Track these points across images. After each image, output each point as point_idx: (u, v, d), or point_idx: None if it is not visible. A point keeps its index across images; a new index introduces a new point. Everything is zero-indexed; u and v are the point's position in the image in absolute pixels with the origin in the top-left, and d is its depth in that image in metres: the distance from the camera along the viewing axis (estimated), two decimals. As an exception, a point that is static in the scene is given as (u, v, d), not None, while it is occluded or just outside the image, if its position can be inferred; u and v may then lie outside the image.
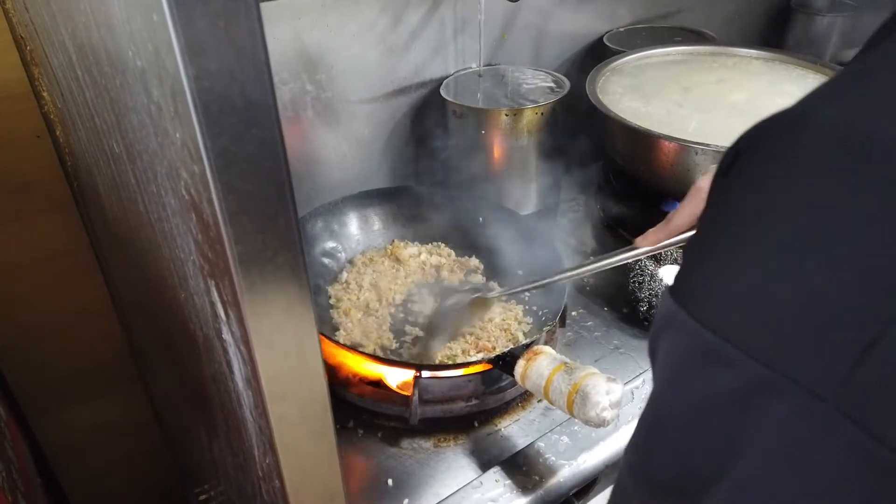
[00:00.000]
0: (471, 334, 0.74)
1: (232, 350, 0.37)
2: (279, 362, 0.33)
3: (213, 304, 0.37)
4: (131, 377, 1.06)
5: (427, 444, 0.66)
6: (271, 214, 0.29)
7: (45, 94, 0.69)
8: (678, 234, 0.64)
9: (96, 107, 0.48)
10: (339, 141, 0.97)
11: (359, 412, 0.68)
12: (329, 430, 0.37)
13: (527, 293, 0.80)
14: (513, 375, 0.62)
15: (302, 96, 0.90)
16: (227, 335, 0.37)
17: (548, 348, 0.63)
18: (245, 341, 0.33)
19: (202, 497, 0.68)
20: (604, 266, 0.65)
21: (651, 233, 0.65)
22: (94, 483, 1.13)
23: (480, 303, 0.77)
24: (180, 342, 0.55)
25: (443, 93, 0.97)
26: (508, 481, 0.60)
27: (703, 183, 0.63)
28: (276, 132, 0.28)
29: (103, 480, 1.14)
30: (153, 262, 0.52)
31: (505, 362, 0.63)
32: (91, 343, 1.01)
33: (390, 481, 0.61)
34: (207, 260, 0.34)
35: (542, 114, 0.93)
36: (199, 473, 0.75)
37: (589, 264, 0.66)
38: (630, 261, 0.64)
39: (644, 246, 0.64)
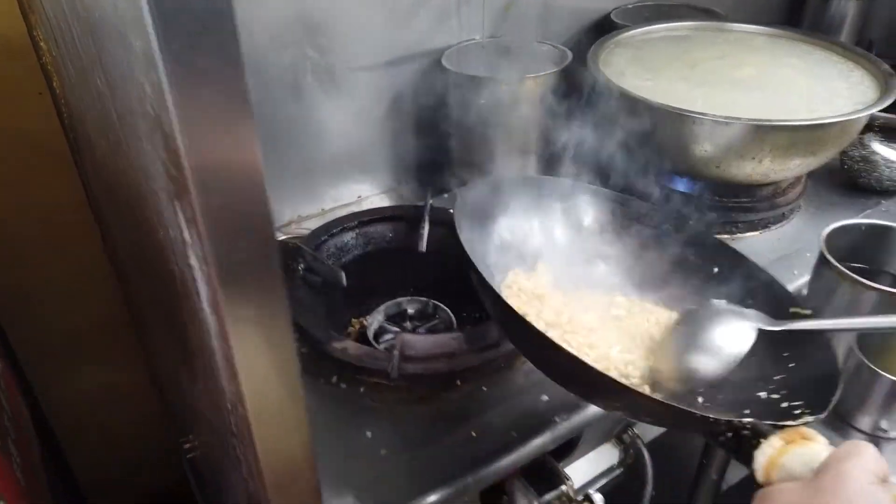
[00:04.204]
0: None
1: (198, 275, 0.37)
2: (240, 279, 0.34)
3: (180, 229, 0.37)
4: (130, 340, 1.08)
5: (409, 399, 0.66)
6: (230, 121, 0.29)
7: (42, 43, 0.69)
8: None
9: (82, 44, 0.49)
10: (339, 108, 0.97)
11: (343, 367, 0.68)
12: (290, 354, 0.37)
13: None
14: (745, 460, 0.44)
15: (302, 61, 0.90)
16: (193, 260, 0.37)
17: (818, 435, 0.44)
18: (205, 259, 0.34)
19: (187, 446, 0.69)
20: None
21: None
22: (94, 446, 1.15)
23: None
24: (163, 286, 0.56)
25: (444, 62, 0.97)
26: (484, 435, 0.61)
27: None
28: (235, 38, 0.28)
29: (104, 443, 1.16)
30: (137, 203, 0.53)
31: (740, 439, 0.45)
32: (90, 304, 1.02)
33: (369, 433, 0.62)
34: (173, 179, 0.34)
35: (542, 84, 0.93)
36: (185, 424, 0.76)
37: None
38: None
39: None
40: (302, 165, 0.97)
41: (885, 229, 0.73)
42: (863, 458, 0.37)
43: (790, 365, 0.56)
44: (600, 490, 0.74)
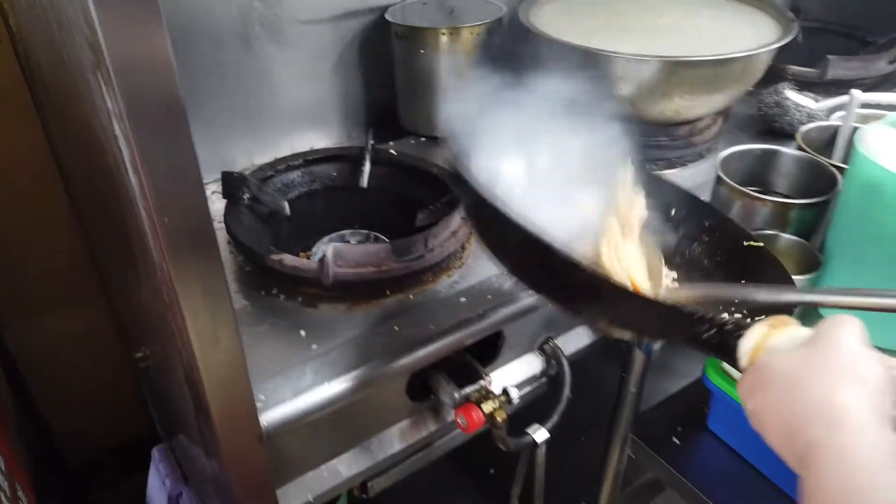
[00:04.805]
0: None
1: (122, 143, 0.43)
2: (151, 130, 0.39)
3: (104, 99, 0.43)
4: (94, 285, 1.13)
5: (342, 306, 0.72)
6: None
7: (-4, -18, 0.75)
8: None
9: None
10: (289, 59, 1.02)
11: (282, 280, 0.74)
12: (203, 208, 0.43)
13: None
14: (729, 353, 0.45)
15: (250, 12, 0.95)
16: (117, 129, 0.43)
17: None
18: (121, 115, 0.39)
19: (138, 356, 0.75)
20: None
21: None
22: (63, 392, 1.20)
23: None
24: (114, 204, 0.61)
25: (388, 17, 1.03)
26: (405, 329, 0.67)
27: None
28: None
29: (72, 390, 1.21)
30: (81, 110, 0.58)
31: (724, 335, 0.46)
32: (54, 249, 1.07)
33: (303, 332, 0.68)
34: (92, 48, 0.40)
35: (477, 34, 0.99)
36: (137, 338, 0.82)
37: None
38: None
39: None
40: (254, 114, 1.03)
41: (774, 153, 0.80)
42: (851, 326, 0.40)
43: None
44: (524, 398, 0.81)
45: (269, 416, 0.58)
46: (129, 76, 0.37)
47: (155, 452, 0.89)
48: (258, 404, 0.57)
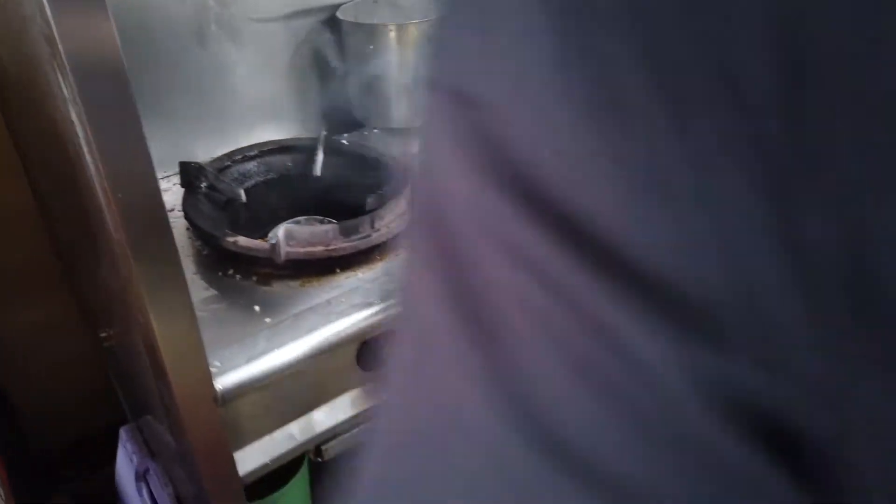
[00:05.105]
0: None
1: (78, 129, 0.48)
2: (103, 114, 0.44)
3: (61, 88, 0.48)
4: (61, 279, 1.16)
5: (294, 284, 0.77)
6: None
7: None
8: None
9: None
10: (245, 57, 1.07)
11: (237, 260, 0.79)
12: (160, 209, 0.48)
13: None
14: None
15: (205, 11, 1.00)
16: (73, 115, 0.48)
17: None
18: (75, 99, 0.44)
19: (103, 335, 0.79)
20: None
21: None
22: (33, 383, 1.23)
23: None
24: (74, 190, 0.65)
25: (339, 14, 1.08)
26: (354, 302, 0.73)
27: None
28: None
29: (42, 381, 1.24)
30: (43, 107, 0.63)
31: None
32: (21, 245, 1.10)
33: (257, 307, 0.73)
34: (48, 40, 0.45)
35: (423, 30, 1.05)
36: (102, 321, 0.86)
37: None
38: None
39: None
40: (213, 110, 1.07)
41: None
42: None
43: None
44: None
45: (224, 381, 0.63)
46: (80, 64, 0.42)
47: (122, 432, 0.93)
48: (213, 370, 0.62)
